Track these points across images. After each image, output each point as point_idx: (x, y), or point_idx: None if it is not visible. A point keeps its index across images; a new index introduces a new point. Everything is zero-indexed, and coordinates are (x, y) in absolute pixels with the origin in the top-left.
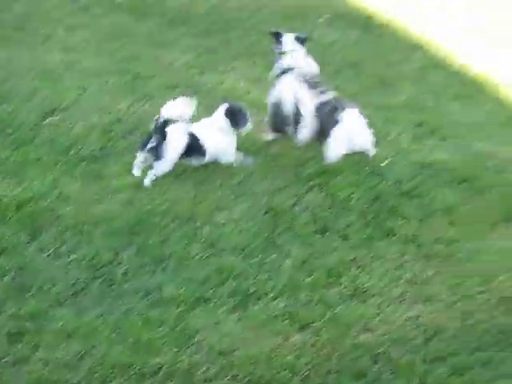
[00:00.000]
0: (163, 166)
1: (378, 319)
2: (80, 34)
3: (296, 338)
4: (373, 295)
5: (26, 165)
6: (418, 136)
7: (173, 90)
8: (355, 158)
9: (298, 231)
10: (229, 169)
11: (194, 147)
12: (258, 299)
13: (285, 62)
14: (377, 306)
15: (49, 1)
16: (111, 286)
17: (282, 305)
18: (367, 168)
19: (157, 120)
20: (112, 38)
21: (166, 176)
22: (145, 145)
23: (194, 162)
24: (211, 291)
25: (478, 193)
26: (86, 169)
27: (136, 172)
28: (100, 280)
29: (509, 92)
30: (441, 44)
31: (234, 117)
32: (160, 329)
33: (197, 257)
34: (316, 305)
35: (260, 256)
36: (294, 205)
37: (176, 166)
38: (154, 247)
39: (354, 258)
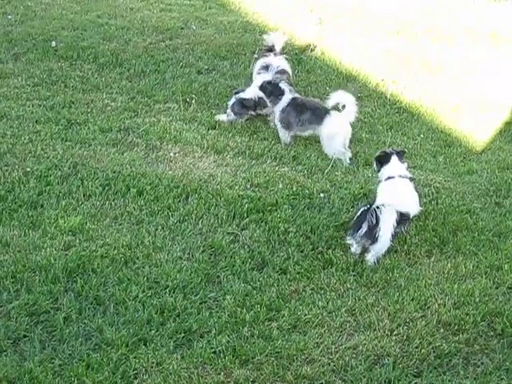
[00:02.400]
0: (382, 246)
1: (319, 350)
2: (12, 81)
3: (238, 373)
4: (314, 326)
5: None
6: (352, 167)
7: (106, 133)
8: (291, 192)
9: (237, 268)
10: (164, 210)
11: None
12: (201, 336)
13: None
14: (318, 337)
15: None
16: (53, 331)
17: (224, 340)
18: (303, 202)
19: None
20: (45, 84)
21: (102, 219)
22: (356, 231)
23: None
24: (153, 331)
25: (413, 220)
26: (25, 215)
27: (354, 249)
28: (41, 326)
29: (440, 119)
30: (371, 74)
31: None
32: (101, 372)
33: (137, 298)
34: (258, 339)
35: (201, 293)
36: (232, 242)
37: (113, 208)
38: (94, 291)
39: (295, 291)
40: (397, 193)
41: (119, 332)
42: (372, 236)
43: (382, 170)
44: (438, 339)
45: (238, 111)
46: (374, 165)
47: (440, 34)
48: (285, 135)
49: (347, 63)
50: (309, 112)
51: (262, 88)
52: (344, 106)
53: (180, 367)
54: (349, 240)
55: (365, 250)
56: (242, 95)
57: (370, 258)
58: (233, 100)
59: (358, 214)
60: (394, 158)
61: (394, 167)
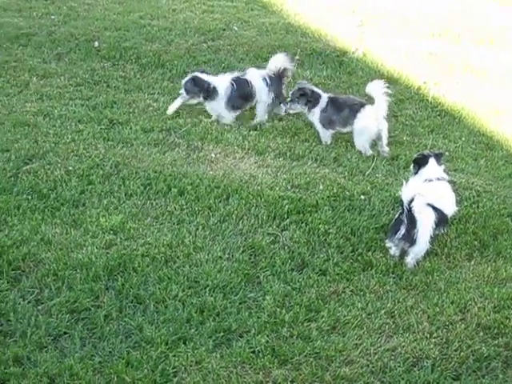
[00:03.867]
0: (420, 249)
1: (358, 351)
2: (55, 81)
3: (277, 373)
4: (353, 328)
5: (6, 212)
6: (393, 170)
7: (148, 134)
8: (331, 194)
9: (276, 268)
10: (205, 210)
11: (441, 219)
12: (241, 336)
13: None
14: (357, 339)
15: (24, 49)
16: (93, 329)
17: (263, 340)
18: (343, 203)
19: (403, 206)
20: (88, 84)
21: (143, 219)
22: (394, 233)
23: (442, 230)
24: (192, 330)
25: (454, 223)
26: (67, 213)
27: (393, 252)
28: (82, 324)
29: (481, 122)
30: (413, 76)
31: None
32: (141, 370)
33: (177, 297)
34: (297, 339)
35: (241, 293)
36: (272, 242)
37: (154, 208)
38: (134, 289)
39: (334, 292)
40: (435, 194)
41: (159, 330)
42: (410, 238)
43: (420, 172)
44: (477, 342)
45: (191, 89)
46: (412, 167)
47: (481, 37)
48: (325, 134)
49: (389, 65)
50: (347, 109)
51: (300, 93)
52: (374, 99)
53: (219, 366)
54: (388, 243)
55: (404, 253)
56: (198, 74)
57: (410, 260)
58: (187, 77)
59: (396, 216)
60: (432, 161)
61: (432, 170)
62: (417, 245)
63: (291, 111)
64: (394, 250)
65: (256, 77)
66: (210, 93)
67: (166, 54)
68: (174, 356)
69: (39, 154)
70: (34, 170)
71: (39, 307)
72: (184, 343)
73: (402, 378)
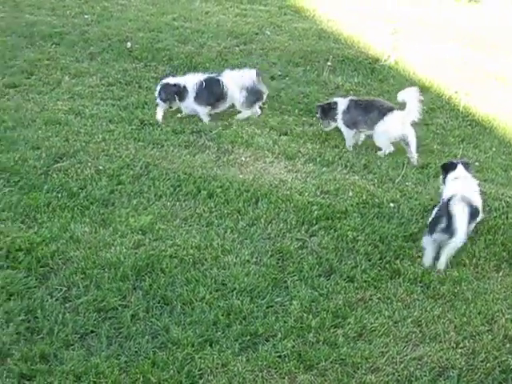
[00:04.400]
0: (460, 239)
1: (384, 359)
2: (87, 80)
3: (302, 378)
4: (379, 335)
5: (36, 209)
6: (422, 178)
7: (179, 135)
8: (360, 201)
9: (304, 273)
10: (234, 213)
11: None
12: (267, 340)
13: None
14: (383, 346)
15: (57, 48)
16: (120, 328)
17: (289, 345)
18: (372, 210)
19: (443, 200)
20: (120, 84)
21: (172, 220)
22: (434, 226)
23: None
24: (219, 333)
25: (483, 234)
26: (96, 212)
27: (427, 262)
28: (108, 323)
29: None
30: (445, 85)
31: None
32: (167, 371)
33: (204, 299)
34: (323, 345)
35: (268, 297)
36: (300, 248)
37: (183, 209)
38: (161, 290)
39: (361, 299)
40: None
41: (185, 332)
42: (449, 231)
43: (448, 176)
44: (504, 354)
45: (165, 97)
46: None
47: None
48: (349, 135)
49: (420, 73)
50: (376, 111)
51: (319, 111)
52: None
53: (245, 369)
54: (425, 240)
55: (437, 257)
56: (166, 80)
57: (443, 260)
58: (158, 87)
59: (435, 212)
60: (460, 166)
61: (460, 174)
62: (456, 236)
63: (326, 129)
64: (430, 249)
65: (229, 78)
66: (182, 93)
67: (198, 57)
68: (200, 358)
69: (70, 153)
70: (64, 168)
71: (67, 305)
72: (210, 345)
73: None
